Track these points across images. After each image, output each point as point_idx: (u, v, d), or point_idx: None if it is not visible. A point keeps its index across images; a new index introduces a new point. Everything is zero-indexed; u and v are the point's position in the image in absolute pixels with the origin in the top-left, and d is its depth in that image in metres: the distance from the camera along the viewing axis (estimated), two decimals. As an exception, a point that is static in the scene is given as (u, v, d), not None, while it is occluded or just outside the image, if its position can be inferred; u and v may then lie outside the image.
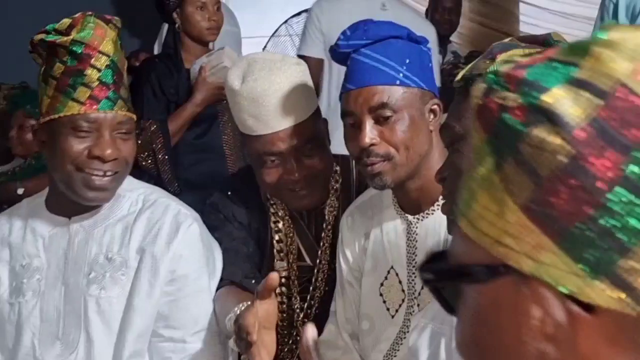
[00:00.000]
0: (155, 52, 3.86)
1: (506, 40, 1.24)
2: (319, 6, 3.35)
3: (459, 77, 1.20)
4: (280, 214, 1.93)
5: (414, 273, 1.60)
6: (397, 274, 1.64)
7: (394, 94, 1.56)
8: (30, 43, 1.68)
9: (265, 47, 4.35)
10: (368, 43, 1.58)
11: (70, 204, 1.70)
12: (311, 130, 1.80)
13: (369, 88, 1.57)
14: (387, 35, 1.58)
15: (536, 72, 0.58)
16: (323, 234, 1.91)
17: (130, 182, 1.75)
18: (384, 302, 1.65)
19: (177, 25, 3.03)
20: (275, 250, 1.93)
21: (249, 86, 1.77)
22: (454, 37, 4.86)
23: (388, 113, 1.56)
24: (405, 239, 1.64)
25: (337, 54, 1.66)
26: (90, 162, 1.61)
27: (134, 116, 1.70)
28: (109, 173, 1.63)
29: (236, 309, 1.61)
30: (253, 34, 4.57)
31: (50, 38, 1.63)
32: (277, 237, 1.93)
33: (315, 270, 1.92)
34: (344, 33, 1.63)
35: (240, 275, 1.82)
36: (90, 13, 1.66)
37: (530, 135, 0.57)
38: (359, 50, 1.59)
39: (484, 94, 0.60)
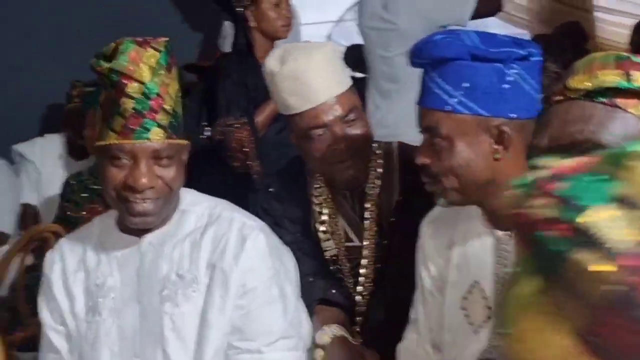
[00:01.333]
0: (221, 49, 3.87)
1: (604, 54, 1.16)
2: None
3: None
4: (324, 197, 2.04)
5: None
6: (482, 289, 1.58)
7: (442, 119, 1.46)
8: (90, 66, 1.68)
9: (330, 32, 4.34)
10: (431, 62, 1.49)
11: None
12: (351, 101, 1.96)
13: (422, 109, 1.51)
14: (446, 56, 1.45)
15: (574, 185, 0.53)
16: (367, 213, 2.01)
17: (194, 196, 1.76)
18: (466, 316, 1.61)
19: (250, 24, 3.03)
20: (321, 231, 2.04)
21: (289, 66, 1.91)
22: (521, 14, 4.72)
23: (436, 138, 1.49)
24: (493, 255, 1.56)
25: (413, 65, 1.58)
26: (125, 193, 1.63)
27: (178, 141, 1.67)
28: (147, 201, 1.63)
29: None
30: (318, 19, 4.55)
31: (96, 65, 1.64)
32: (321, 219, 2.04)
33: (364, 250, 2.00)
34: (413, 48, 1.55)
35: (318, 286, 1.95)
36: (129, 39, 1.63)
37: (573, 259, 0.52)
38: (425, 68, 1.51)
39: (519, 203, 0.56)
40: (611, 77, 1.08)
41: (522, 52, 1.45)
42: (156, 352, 1.67)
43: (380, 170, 2.02)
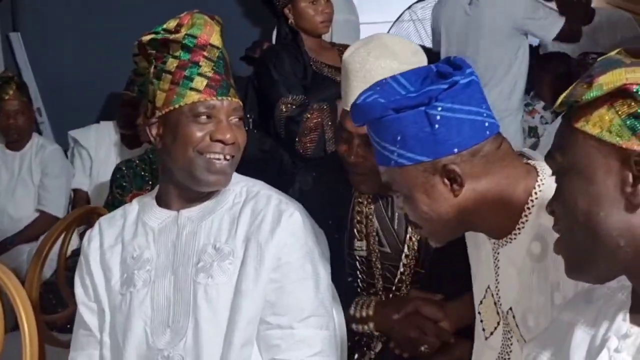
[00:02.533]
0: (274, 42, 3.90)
1: (612, 53, 1.09)
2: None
3: (559, 101, 1.07)
4: (366, 195, 1.98)
5: (499, 298, 1.51)
6: (492, 295, 1.54)
7: (393, 175, 1.43)
8: (138, 44, 1.74)
9: (388, 32, 4.31)
10: (367, 125, 1.46)
11: (179, 198, 1.75)
12: None
13: (379, 167, 1.47)
14: (372, 117, 1.41)
15: None
16: (409, 227, 1.92)
17: (234, 176, 1.78)
18: (481, 321, 1.57)
19: (290, 22, 3.04)
20: (355, 230, 1.99)
21: (359, 57, 1.83)
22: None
23: (396, 193, 1.46)
24: (493, 260, 1.53)
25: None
26: (213, 145, 1.67)
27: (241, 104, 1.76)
28: (227, 157, 1.69)
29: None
30: (376, 20, 4.53)
31: (162, 36, 1.70)
32: (357, 218, 1.98)
33: (401, 264, 1.94)
34: (351, 112, 1.51)
35: None
36: (196, 11, 1.73)
37: None
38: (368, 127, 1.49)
39: None
40: (581, 91, 1.07)
41: (443, 86, 1.38)
42: (188, 322, 1.68)
43: None
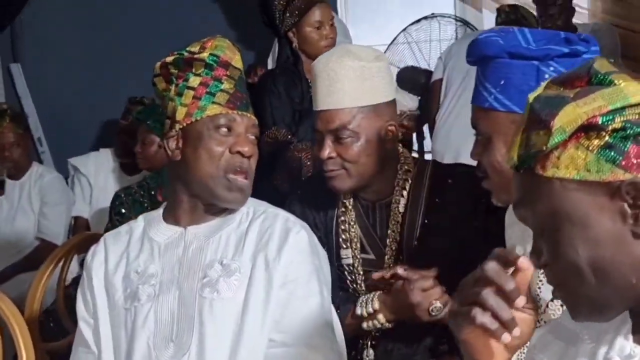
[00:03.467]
0: (269, 67, 3.91)
1: (542, 90, 1.03)
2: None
3: (516, 159, 1.00)
4: (347, 203, 2.02)
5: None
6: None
7: (482, 116, 1.50)
8: (160, 65, 1.78)
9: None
10: (477, 61, 1.52)
11: (188, 214, 1.77)
12: (350, 121, 1.88)
13: (472, 107, 1.54)
14: (486, 55, 1.48)
15: None
16: (389, 230, 1.97)
17: None
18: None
19: (293, 45, 3.06)
20: (340, 239, 2.02)
21: (324, 58, 1.93)
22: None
23: (479, 135, 1.51)
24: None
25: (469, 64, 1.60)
26: (232, 157, 1.71)
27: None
28: (245, 170, 1.72)
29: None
30: (370, 43, 4.56)
31: (187, 55, 1.75)
32: (342, 227, 2.02)
33: (384, 265, 1.96)
34: (467, 48, 1.58)
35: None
36: (219, 36, 1.81)
37: None
38: (476, 65, 1.54)
39: None
40: (540, 140, 1.04)
41: (564, 49, 1.43)
42: (192, 337, 1.68)
43: (407, 187, 1.97)
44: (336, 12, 3.47)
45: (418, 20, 4.36)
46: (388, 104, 1.95)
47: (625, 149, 0.95)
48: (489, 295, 1.00)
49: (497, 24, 3.93)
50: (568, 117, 0.96)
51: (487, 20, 4.65)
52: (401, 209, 1.97)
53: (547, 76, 1.42)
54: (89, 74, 4.62)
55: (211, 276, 1.70)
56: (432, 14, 4.40)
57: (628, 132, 0.95)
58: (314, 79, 1.94)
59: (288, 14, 3.07)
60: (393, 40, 4.38)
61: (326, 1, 3.17)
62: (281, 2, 3.08)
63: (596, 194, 0.97)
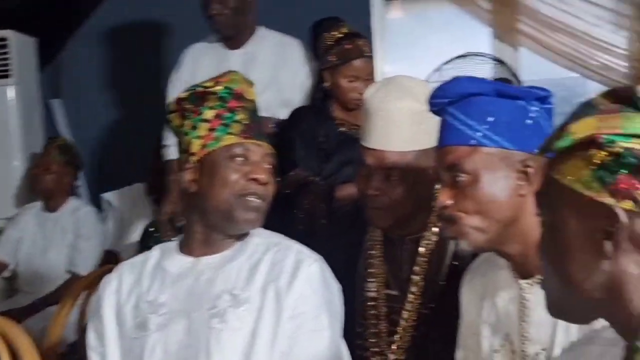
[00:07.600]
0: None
1: (595, 102, 1.05)
2: None
3: (543, 146, 1.06)
4: (376, 237, 2.00)
5: (524, 344, 1.48)
6: (512, 342, 1.52)
7: (467, 154, 1.45)
8: (175, 101, 1.80)
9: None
10: (452, 101, 1.49)
11: (202, 244, 1.78)
12: (402, 161, 1.87)
13: (444, 149, 1.50)
14: (471, 92, 1.46)
15: None
16: (416, 267, 1.93)
17: (254, 229, 1.81)
18: None
19: (325, 84, 3.06)
20: (367, 271, 2.00)
21: (380, 95, 1.88)
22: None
23: (460, 175, 1.46)
24: (517, 306, 1.52)
25: (432, 111, 1.58)
26: (248, 184, 1.72)
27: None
28: (262, 194, 1.73)
29: None
30: (405, 81, 4.56)
31: (200, 89, 1.77)
32: (370, 260, 2.00)
33: (406, 304, 1.93)
34: (435, 90, 1.56)
35: None
36: (233, 70, 1.84)
37: None
38: (445, 108, 1.51)
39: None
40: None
41: (541, 93, 1.47)
42: None
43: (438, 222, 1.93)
44: (372, 48, 3.47)
45: (451, 60, 4.34)
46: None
47: (616, 176, 0.97)
48: None
49: None
50: (583, 127, 0.99)
51: (524, 59, 4.61)
52: (431, 246, 1.94)
53: (532, 115, 1.44)
54: (124, 108, 4.69)
55: (220, 306, 1.70)
56: (467, 52, 4.38)
57: (623, 160, 0.96)
58: (367, 115, 1.91)
59: (329, 55, 3.08)
60: (427, 80, 4.37)
61: (370, 56, 3.15)
62: (328, 41, 3.10)
63: (582, 208, 1.00)
